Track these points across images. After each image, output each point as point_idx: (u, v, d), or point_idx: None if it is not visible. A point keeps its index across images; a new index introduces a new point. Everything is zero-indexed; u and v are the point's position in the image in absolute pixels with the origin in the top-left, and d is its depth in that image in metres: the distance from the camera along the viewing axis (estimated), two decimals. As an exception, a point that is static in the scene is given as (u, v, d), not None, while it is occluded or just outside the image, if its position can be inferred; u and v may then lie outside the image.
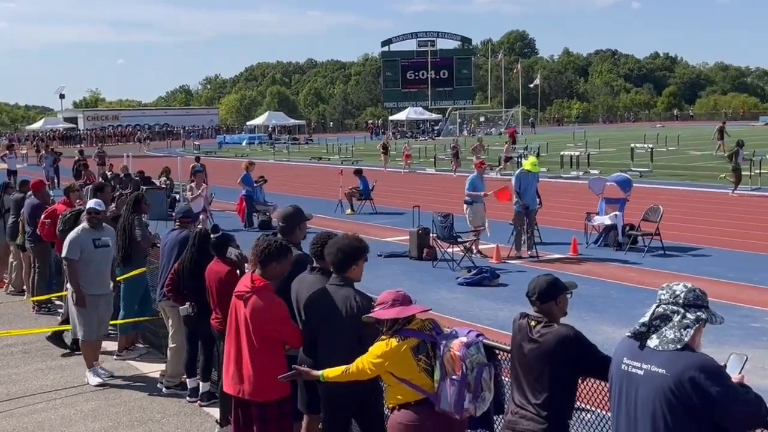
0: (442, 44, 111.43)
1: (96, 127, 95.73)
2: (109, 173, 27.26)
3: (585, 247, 16.93)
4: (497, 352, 5.13)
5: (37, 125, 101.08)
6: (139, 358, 10.24)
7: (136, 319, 10.17)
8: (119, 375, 9.51)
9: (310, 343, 5.67)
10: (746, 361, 3.87)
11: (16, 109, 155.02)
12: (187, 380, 8.57)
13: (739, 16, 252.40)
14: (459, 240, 15.77)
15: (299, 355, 5.76)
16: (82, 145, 70.75)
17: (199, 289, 7.68)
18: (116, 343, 10.37)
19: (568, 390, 4.53)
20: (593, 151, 43.73)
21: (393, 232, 19.95)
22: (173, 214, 11.22)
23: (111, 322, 9.94)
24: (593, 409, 4.83)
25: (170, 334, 8.93)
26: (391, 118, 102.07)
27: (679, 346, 3.64)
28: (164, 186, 25.60)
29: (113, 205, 12.07)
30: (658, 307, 3.77)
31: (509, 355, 4.84)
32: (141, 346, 10.58)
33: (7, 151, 39.59)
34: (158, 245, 9.84)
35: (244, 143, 78.01)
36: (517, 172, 16.90)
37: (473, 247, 16.26)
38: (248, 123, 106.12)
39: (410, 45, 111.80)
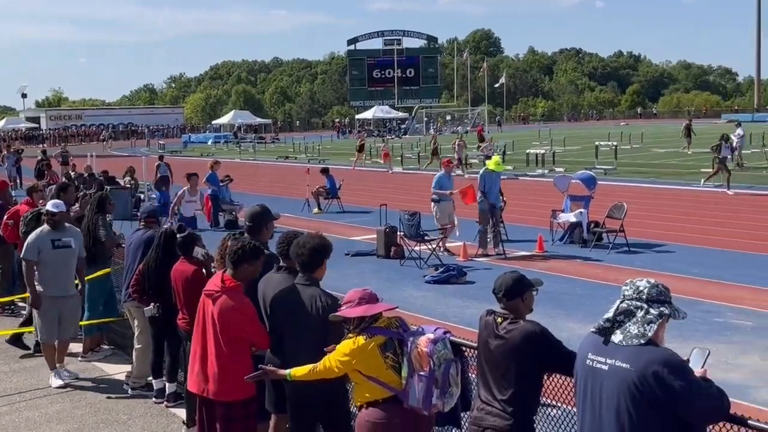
0: (408, 43, 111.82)
1: (59, 127, 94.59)
2: (72, 173, 26.97)
3: (551, 245, 17.06)
4: (464, 349, 5.16)
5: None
6: (105, 359, 10.14)
7: (101, 320, 10.08)
8: (84, 377, 9.41)
9: (277, 342, 5.67)
10: (709, 355, 3.93)
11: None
12: (153, 381, 8.52)
13: (702, 14, 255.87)
14: (426, 238, 15.81)
15: (266, 355, 5.75)
16: (45, 145, 69.88)
17: (165, 290, 7.64)
18: (81, 344, 10.26)
19: (534, 386, 4.56)
20: (558, 149, 44.06)
21: (360, 230, 19.95)
22: (138, 214, 11.13)
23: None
24: (559, 404, 4.88)
25: (136, 334, 8.86)
26: (357, 116, 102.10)
27: (642, 341, 3.68)
28: (129, 186, 25.39)
29: (77, 205, 11.94)
30: (621, 302, 3.82)
31: (476, 351, 4.87)
32: (106, 347, 10.49)
33: (-32, 152, 39.05)
34: (123, 245, 9.76)
35: (209, 142, 77.60)
36: (482, 171, 17.00)
37: (443, 245, 16.33)
38: (214, 122, 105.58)
39: (376, 44, 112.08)
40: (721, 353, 9.31)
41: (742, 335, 10.42)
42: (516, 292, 4.61)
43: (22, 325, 10.67)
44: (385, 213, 18.27)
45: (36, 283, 9.10)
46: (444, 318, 11.24)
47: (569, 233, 17.42)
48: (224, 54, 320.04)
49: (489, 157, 35.56)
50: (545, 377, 4.65)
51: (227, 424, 5.71)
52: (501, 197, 17.01)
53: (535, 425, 4.69)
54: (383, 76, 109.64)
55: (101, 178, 23.22)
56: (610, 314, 3.82)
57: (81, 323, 10.03)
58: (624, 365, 3.67)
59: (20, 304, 12.35)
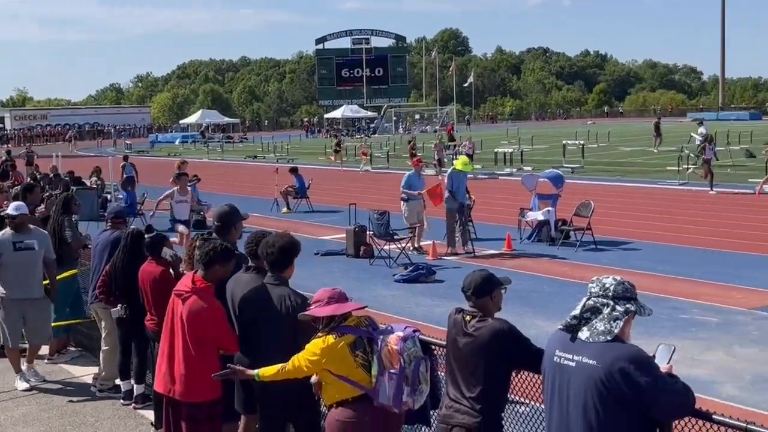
0: (377, 42, 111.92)
1: (24, 127, 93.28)
2: (37, 174, 26.65)
3: (519, 243, 17.16)
4: (433, 347, 5.18)
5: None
6: (72, 361, 10.04)
7: (68, 321, 9.98)
8: (51, 379, 9.31)
9: (246, 342, 5.65)
10: (674, 351, 3.97)
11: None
12: (121, 383, 8.45)
13: (667, 14, 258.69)
14: (396, 237, 15.84)
15: (236, 355, 5.73)
16: (10, 145, 68.97)
17: (132, 291, 7.58)
18: (47, 346, 10.14)
19: (502, 383, 4.59)
20: (526, 148, 44.30)
21: (329, 230, 19.93)
22: (105, 214, 11.05)
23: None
24: (527, 401, 4.91)
25: (103, 336, 8.79)
26: (326, 116, 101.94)
27: (609, 338, 3.71)
28: (95, 186, 25.17)
29: (42, 205, 11.81)
30: (588, 299, 3.85)
31: (445, 350, 4.89)
32: (73, 349, 10.40)
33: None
34: (89, 246, 9.68)
35: (177, 142, 77.06)
36: (449, 171, 17.06)
37: (412, 244, 16.38)
38: (181, 121, 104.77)
39: (345, 43, 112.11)
40: (687, 349, 9.43)
41: (708, 331, 10.56)
42: (485, 290, 4.64)
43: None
44: (354, 212, 18.27)
45: (-1, 286, 8.99)
46: (413, 317, 11.27)
47: (537, 231, 17.54)
48: (192, 53, 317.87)
49: (471, 156, 35.77)
50: (513, 374, 4.68)
51: (193, 425, 5.69)
52: (468, 196, 17.09)
53: (503, 422, 4.72)
54: (352, 75, 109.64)
55: (67, 178, 22.97)
56: (577, 311, 3.85)
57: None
58: (591, 362, 3.70)
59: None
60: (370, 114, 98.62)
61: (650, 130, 46.67)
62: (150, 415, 7.70)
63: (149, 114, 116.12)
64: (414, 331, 5.01)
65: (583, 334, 3.79)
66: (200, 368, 5.61)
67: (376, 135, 79.56)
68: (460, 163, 16.78)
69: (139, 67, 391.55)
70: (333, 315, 4.95)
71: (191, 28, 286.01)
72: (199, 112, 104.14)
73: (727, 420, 3.75)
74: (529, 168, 33.10)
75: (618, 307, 3.77)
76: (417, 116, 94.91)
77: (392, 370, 4.79)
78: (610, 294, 3.80)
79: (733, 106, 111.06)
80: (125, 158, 29.05)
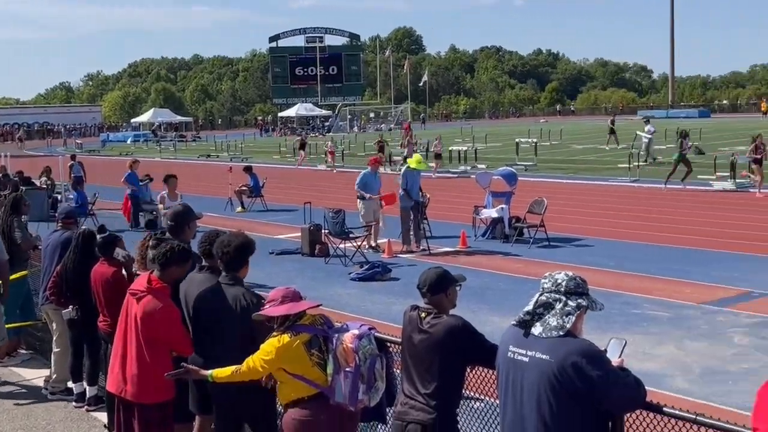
0: (331, 40, 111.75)
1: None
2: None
3: (473, 240, 17.27)
4: (388, 345, 5.20)
5: None
6: (22, 364, 9.88)
7: (19, 323, 9.82)
8: (1, 382, 9.16)
9: (200, 343, 5.61)
10: (625, 345, 4.03)
11: None
12: (73, 385, 8.34)
13: (618, 13, 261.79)
14: (351, 236, 15.84)
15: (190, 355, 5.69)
16: (-44, 145, 67.62)
17: (84, 292, 7.50)
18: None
19: (457, 379, 4.62)
20: (480, 146, 44.57)
21: (284, 229, 19.86)
22: (55, 214, 10.89)
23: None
24: (482, 397, 4.95)
25: (54, 338, 8.68)
26: (280, 114, 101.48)
27: (561, 333, 3.76)
28: (45, 186, 24.79)
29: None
30: (541, 295, 3.89)
31: (400, 348, 4.91)
32: (24, 351, 10.23)
33: None
34: (40, 247, 9.54)
35: (128, 141, 76.26)
36: (403, 169, 17.10)
37: (369, 242, 16.38)
38: (133, 120, 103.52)
39: (298, 41, 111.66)
40: (638, 344, 9.57)
41: (659, 326, 10.73)
42: (440, 287, 4.66)
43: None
44: (309, 211, 18.23)
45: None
46: (369, 315, 11.28)
47: (491, 229, 17.67)
48: (143, 51, 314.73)
49: (439, 156, 35.63)
50: (468, 371, 4.71)
51: (145, 426, 5.63)
52: (422, 194, 17.16)
53: (458, 418, 4.75)
54: (306, 73, 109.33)
55: (16, 178, 22.65)
56: (530, 307, 3.88)
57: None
58: (544, 357, 3.74)
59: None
60: (324, 112, 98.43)
61: (602, 128, 47.23)
62: (103, 417, 7.61)
63: (100, 113, 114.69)
64: (369, 329, 5.02)
65: (536, 329, 3.82)
66: (153, 369, 5.56)
67: (330, 133, 79.40)
68: (414, 161, 16.85)
69: (90, 65, 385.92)
70: (287, 314, 4.94)
71: (143, 26, 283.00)
72: (151, 110, 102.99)
73: (677, 412, 3.82)
74: (483, 166, 33.30)
75: (570, 303, 3.82)
76: (372, 115, 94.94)
77: (348, 369, 4.80)
78: (562, 289, 3.85)
79: (682, 103, 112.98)
80: (73, 157, 28.62)
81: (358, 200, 16.89)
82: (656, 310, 11.50)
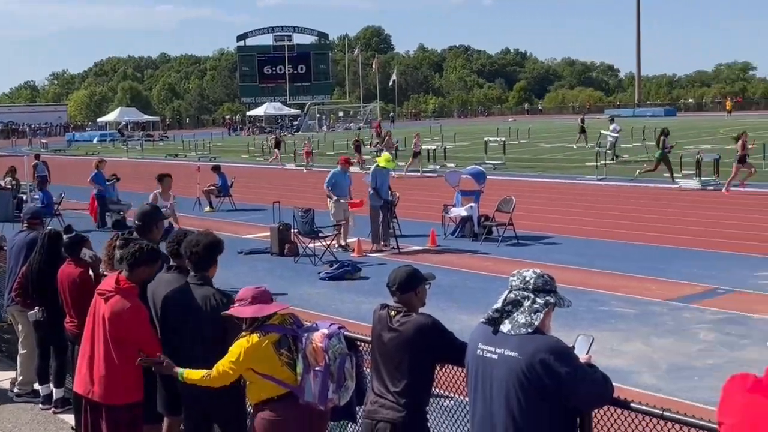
0: (299, 39, 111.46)
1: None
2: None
3: (443, 239, 17.31)
4: (358, 343, 5.20)
5: None
6: (-13, 366, 9.77)
7: (-17, 326, 9.70)
8: (-35, 385, 9.04)
9: (169, 343, 5.56)
10: (593, 341, 4.07)
11: None
12: (40, 387, 8.26)
13: (585, 12, 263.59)
14: (320, 235, 15.81)
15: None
16: None
17: (50, 293, 7.42)
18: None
19: (426, 377, 4.64)
20: (449, 144, 44.66)
21: (253, 228, 19.78)
22: (20, 215, 10.76)
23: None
24: (451, 395, 4.97)
25: (20, 340, 8.58)
26: (249, 113, 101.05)
27: (530, 330, 3.78)
28: (10, 186, 24.51)
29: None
30: (509, 293, 3.91)
31: (370, 346, 4.92)
32: (-12, 354, 10.10)
33: None
34: (5, 248, 9.42)
35: (95, 140, 75.48)
36: (372, 168, 17.11)
37: (338, 241, 16.37)
38: (99, 120, 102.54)
39: (267, 40, 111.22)
40: (606, 340, 9.66)
41: (626, 323, 10.83)
42: (409, 285, 4.68)
43: None
44: (278, 210, 18.16)
45: None
46: (339, 314, 11.26)
47: (460, 227, 17.73)
48: (109, 50, 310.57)
49: (418, 154, 35.45)
50: (437, 368, 4.73)
51: (114, 428, 5.58)
52: (392, 193, 17.19)
53: (428, 416, 4.77)
54: (274, 72, 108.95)
55: (-20, 178, 22.31)
56: (498, 305, 3.90)
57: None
58: (513, 354, 3.76)
59: None
60: (293, 111, 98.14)
61: (570, 127, 47.53)
62: (70, 419, 7.53)
63: (66, 112, 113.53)
64: (339, 328, 5.02)
65: (505, 326, 3.84)
66: (121, 370, 5.51)
67: (299, 132, 79.18)
68: (383, 160, 16.86)
69: (55, 64, 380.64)
70: (255, 316, 4.92)
71: (109, 25, 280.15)
72: (118, 110, 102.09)
73: (644, 408, 3.86)
74: (452, 165, 33.38)
75: (538, 300, 3.85)
76: (341, 114, 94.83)
77: (317, 368, 4.80)
78: (531, 287, 3.87)
79: (648, 102, 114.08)
80: (37, 157, 28.31)
81: (328, 199, 16.87)
82: (623, 307, 11.60)
